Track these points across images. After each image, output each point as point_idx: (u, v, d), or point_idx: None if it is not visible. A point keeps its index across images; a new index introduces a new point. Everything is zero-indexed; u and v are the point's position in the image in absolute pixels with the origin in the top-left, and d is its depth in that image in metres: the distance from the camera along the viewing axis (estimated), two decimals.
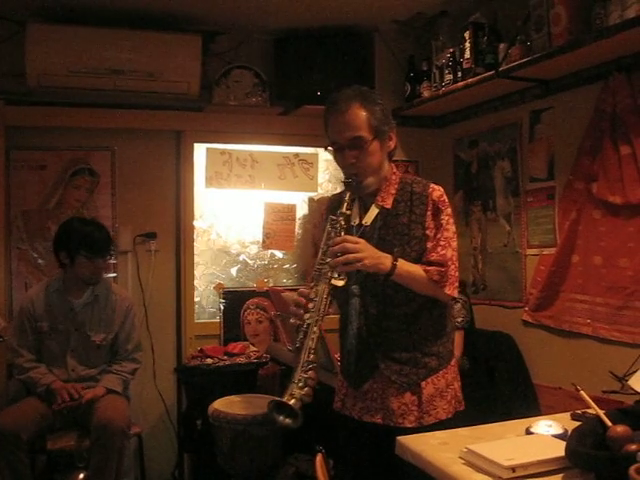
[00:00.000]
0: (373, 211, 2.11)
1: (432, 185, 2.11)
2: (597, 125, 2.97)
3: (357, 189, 2.08)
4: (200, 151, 4.10)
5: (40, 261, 3.77)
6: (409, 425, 2.06)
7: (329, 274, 1.91)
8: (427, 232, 2.06)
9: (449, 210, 2.09)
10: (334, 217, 2.03)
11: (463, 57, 3.40)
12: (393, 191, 2.12)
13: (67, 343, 3.27)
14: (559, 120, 3.24)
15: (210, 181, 4.10)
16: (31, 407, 3.10)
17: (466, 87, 3.37)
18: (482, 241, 3.82)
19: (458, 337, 3.18)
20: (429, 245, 2.05)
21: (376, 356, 2.11)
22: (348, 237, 1.96)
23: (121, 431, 3.04)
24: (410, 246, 2.06)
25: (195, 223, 4.10)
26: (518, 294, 3.51)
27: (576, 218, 3.11)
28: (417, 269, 2.02)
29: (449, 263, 2.04)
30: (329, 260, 1.92)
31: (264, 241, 4.22)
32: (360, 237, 2.04)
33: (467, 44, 3.35)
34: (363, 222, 2.12)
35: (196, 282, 4.10)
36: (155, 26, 3.61)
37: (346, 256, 1.89)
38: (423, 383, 2.08)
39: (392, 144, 2.16)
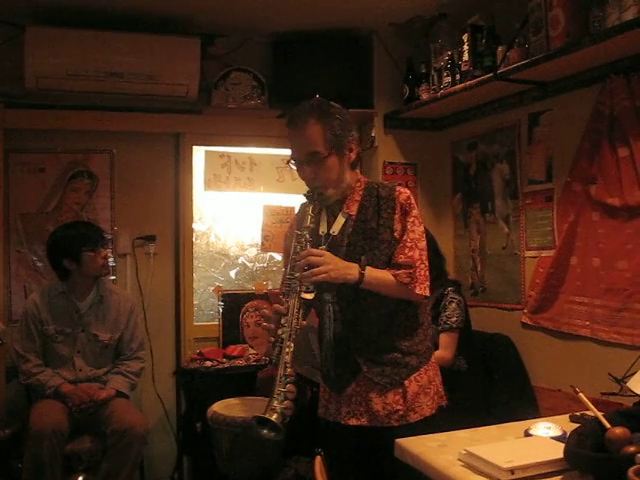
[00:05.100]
0: (340, 220, 2.15)
1: (398, 188, 2.15)
2: (595, 127, 2.97)
3: (319, 201, 2.12)
4: (199, 154, 4.11)
5: (39, 264, 3.77)
6: (395, 424, 2.09)
7: (298, 288, 1.96)
8: (395, 235, 2.09)
9: (416, 211, 2.13)
10: (299, 232, 2.06)
11: (461, 59, 3.40)
12: (358, 198, 2.16)
13: (74, 344, 3.29)
14: (557, 122, 3.25)
15: (209, 184, 4.11)
16: (56, 406, 3.11)
17: (464, 89, 3.37)
18: (481, 243, 3.82)
19: (451, 338, 3.17)
20: (397, 248, 2.08)
21: (357, 360, 2.13)
22: (313, 250, 2.01)
23: (141, 437, 3.07)
24: (380, 250, 2.09)
25: (194, 226, 4.10)
26: (517, 296, 3.51)
27: (574, 220, 3.11)
28: (386, 275, 2.05)
29: (417, 264, 2.07)
30: (297, 274, 1.97)
31: (263, 244, 4.21)
32: (329, 246, 2.10)
33: (465, 46, 3.35)
34: (331, 232, 2.15)
35: (195, 285, 4.10)
36: (154, 29, 3.61)
37: (311, 270, 1.94)
38: (406, 382, 2.11)
39: (353, 155, 2.16)
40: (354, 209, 2.14)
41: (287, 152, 4.10)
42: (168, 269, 4.02)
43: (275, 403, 1.84)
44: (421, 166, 4.18)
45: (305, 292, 1.96)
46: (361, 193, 2.16)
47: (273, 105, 4.02)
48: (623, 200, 2.83)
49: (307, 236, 2.05)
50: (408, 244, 2.08)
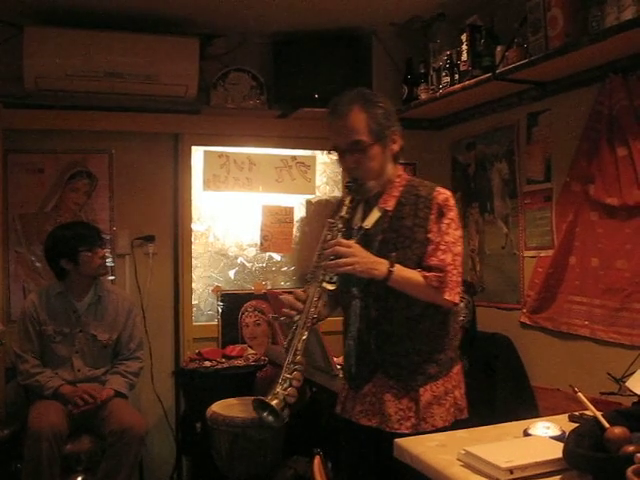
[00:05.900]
0: (374, 214, 2.10)
1: (438, 189, 2.09)
2: (594, 127, 2.98)
3: (358, 192, 2.08)
4: (198, 154, 4.10)
5: (38, 264, 3.76)
6: (405, 431, 2.02)
7: (321, 277, 1.93)
8: (429, 236, 2.03)
9: (453, 214, 2.06)
10: (332, 220, 2.03)
11: (460, 59, 3.40)
12: (397, 193, 2.10)
13: (72, 345, 3.29)
14: (556, 122, 3.25)
15: (208, 184, 4.10)
16: (55, 406, 3.10)
17: (463, 89, 3.38)
18: (480, 243, 3.82)
19: None
20: (429, 249, 2.02)
21: (375, 359, 2.10)
22: (341, 241, 1.97)
23: (139, 438, 3.07)
24: (412, 249, 2.04)
25: (193, 226, 4.10)
26: (516, 296, 3.51)
27: (573, 220, 3.11)
28: (415, 275, 1.99)
29: (449, 268, 2.00)
30: (323, 263, 1.93)
31: (262, 243, 4.22)
32: (361, 240, 2.05)
33: (464, 46, 3.35)
34: (364, 225, 2.11)
35: (194, 285, 4.10)
36: (153, 29, 3.61)
37: (336, 260, 1.91)
38: (421, 390, 2.06)
39: (396, 147, 2.12)
40: (391, 204, 2.09)
41: (286, 152, 4.20)
42: (167, 269, 4.02)
43: (279, 389, 1.79)
44: (420, 166, 4.18)
45: (327, 282, 1.92)
46: (400, 189, 2.11)
47: (272, 105, 4.02)
48: (622, 200, 2.84)
49: (340, 226, 2.02)
50: (442, 247, 2.01)
